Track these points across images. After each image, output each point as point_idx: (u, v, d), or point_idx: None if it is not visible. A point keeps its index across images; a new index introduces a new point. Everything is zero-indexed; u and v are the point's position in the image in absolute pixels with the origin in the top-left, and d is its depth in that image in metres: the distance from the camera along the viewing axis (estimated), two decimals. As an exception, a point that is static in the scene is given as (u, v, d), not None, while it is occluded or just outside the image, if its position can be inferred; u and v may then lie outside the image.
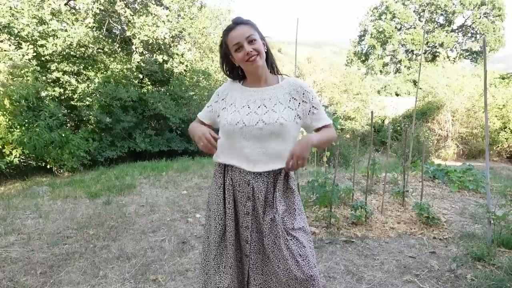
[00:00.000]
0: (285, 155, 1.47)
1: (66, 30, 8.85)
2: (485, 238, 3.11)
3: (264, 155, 1.48)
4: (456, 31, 28.08)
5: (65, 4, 9.50)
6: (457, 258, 2.82)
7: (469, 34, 27.78)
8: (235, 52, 1.49)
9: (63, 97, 9.38)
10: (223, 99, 1.60)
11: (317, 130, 1.58)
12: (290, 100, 1.53)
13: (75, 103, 9.43)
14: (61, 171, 8.35)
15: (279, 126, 1.46)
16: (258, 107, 1.50)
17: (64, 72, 9.18)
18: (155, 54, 11.28)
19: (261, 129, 1.46)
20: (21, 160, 7.98)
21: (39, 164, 8.31)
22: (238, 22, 1.49)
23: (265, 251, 1.55)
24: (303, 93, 1.54)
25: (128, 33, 10.38)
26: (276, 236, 1.49)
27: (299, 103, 1.53)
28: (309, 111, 1.54)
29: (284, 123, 1.47)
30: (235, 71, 1.63)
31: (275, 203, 1.50)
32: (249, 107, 1.51)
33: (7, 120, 7.23)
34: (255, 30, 1.50)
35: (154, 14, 10.27)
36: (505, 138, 13.28)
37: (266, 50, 1.54)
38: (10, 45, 8.00)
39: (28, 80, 7.61)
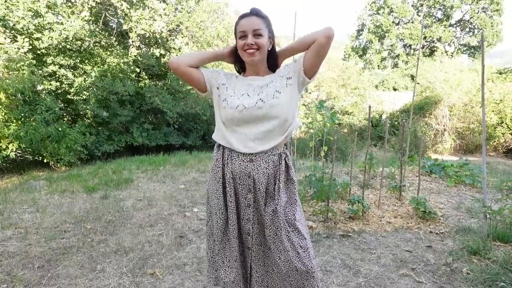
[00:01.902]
0: (281, 130, 1.51)
1: (62, 23, 8.75)
2: (481, 232, 3.13)
3: (264, 134, 1.49)
4: (454, 25, 28.01)
5: (61, -3, 9.39)
6: (453, 252, 2.85)
7: (467, 29, 27.73)
8: (239, 39, 1.52)
9: (59, 91, 9.32)
10: (225, 75, 1.62)
11: (306, 60, 1.50)
12: (281, 76, 1.55)
13: (72, 97, 9.37)
14: (58, 165, 8.32)
15: (276, 102, 1.47)
16: (258, 94, 1.52)
17: (61, 66, 9.10)
18: (152, 48, 11.20)
19: (260, 108, 1.47)
20: (18, 154, 7.95)
21: (36, 158, 8.28)
22: (253, 13, 1.52)
23: (266, 243, 1.56)
24: (287, 64, 1.59)
25: (124, 27, 10.28)
26: (278, 228, 1.50)
27: (284, 69, 1.57)
28: (294, 62, 1.56)
29: (280, 98, 1.48)
30: (239, 59, 1.65)
31: (278, 194, 1.51)
32: (248, 95, 1.53)
33: (3, 114, 7.17)
34: (266, 26, 1.52)
35: (151, 7, 10.18)
36: (502, 133, 13.31)
37: (270, 49, 1.57)
38: (5, 38, 7.92)
39: (24, 73, 7.54)
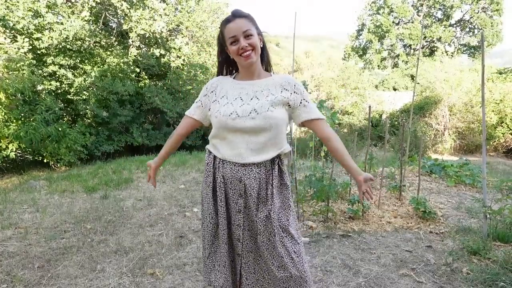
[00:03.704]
0: (274, 146, 1.49)
1: (62, 23, 8.76)
2: (481, 232, 3.12)
3: (256, 145, 1.46)
4: (454, 25, 28.00)
5: (61, -3, 9.40)
6: (453, 252, 2.84)
7: (467, 29, 27.73)
8: (230, 45, 1.47)
9: (59, 91, 9.33)
10: (212, 92, 1.58)
11: (307, 122, 1.55)
12: (282, 91, 1.51)
13: (72, 97, 9.38)
14: (58, 165, 8.33)
15: (270, 115, 1.44)
16: (251, 99, 1.49)
17: (61, 66, 9.12)
18: (152, 48, 11.21)
19: (253, 118, 1.43)
20: (18, 154, 7.95)
21: (36, 158, 8.28)
22: (236, 15, 1.47)
23: (257, 250, 1.54)
24: (294, 85, 1.54)
25: (124, 27, 10.29)
26: (271, 234, 1.48)
27: (291, 93, 1.52)
28: (300, 102, 1.53)
29: (274, 112, 1.45)
30: (229, 62, 1.62)
31: (271, 199, 1.49)
32: (241, 99, 1.49)
33: (3, 114, 7.17)
34: (253, 24, 1.48)
35: (151, 7, 10.19)
36: (502, 133, 13.29)
37: (261, 46, 1.53)
38: (5, 38, 7.92)
39: (24, 73, 7.54)
